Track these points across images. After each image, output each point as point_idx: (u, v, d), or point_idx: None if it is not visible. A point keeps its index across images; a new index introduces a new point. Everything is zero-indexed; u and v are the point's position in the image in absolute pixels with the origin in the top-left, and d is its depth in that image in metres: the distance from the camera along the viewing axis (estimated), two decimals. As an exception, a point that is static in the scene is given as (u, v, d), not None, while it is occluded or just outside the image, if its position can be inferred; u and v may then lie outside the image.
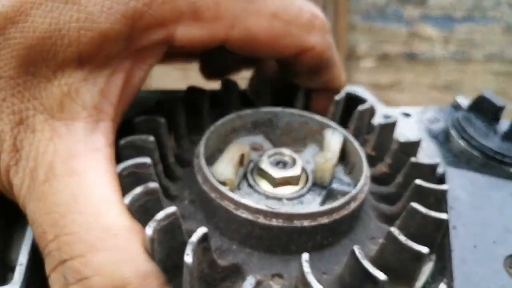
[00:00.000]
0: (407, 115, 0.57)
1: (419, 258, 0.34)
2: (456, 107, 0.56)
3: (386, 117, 0.53)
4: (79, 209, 0.33)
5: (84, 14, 0.34)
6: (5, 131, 0.35)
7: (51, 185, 0.34)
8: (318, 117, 0.47)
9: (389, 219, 0.42)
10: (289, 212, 0.36)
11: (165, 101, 0.46)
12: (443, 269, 0.39)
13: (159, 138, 0.42)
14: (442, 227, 0.37)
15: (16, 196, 0.36)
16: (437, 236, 0.38)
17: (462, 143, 0.50)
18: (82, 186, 0.34)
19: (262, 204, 0.37)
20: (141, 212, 0.35)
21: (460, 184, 0.43)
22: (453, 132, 0.52)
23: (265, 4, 0.41)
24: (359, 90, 0.58)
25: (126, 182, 0.36)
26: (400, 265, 0.35)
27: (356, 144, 0.44)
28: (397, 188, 0.44)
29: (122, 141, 0.39)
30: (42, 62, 0.34)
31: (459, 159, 0.50)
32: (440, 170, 0.45)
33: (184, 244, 0.33)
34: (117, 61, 0.37)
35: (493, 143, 0.49)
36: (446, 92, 1.89)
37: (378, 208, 0.43)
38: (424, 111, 0.58)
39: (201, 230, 0.32)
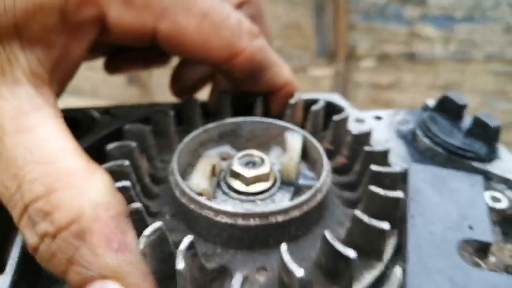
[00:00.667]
0: (378, 118, 0.61)
1: (383, 234, 0.39)
2: (426, 108, 0.59)
3: (358, 120, 0.57)
4: (35, 159, 0.36)
5: None
6: None
7: (3, 142, 0.36)
8: (278, 122, 0.51)
9: (353, 204, 0.47)
10: (264, 211, 0.39)
11: (133, 127, 0.49)
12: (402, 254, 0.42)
13: (133, 161, 0.45)
14: (400, 204, 0.42)
15: None
16: (396, 212, 0.43)
17: (426, 141, 0.54)
18: (35, 140, 0.36)
19: (238, 208, 0.40)
20: (129, 231, 0.38)
21: (422, 178, 0.47)
22: (418, 132, 0.55)
23: (195, 4, 0.45)
24: (335, 98, 0.62)
25: (110, 206, 0.39)
26: (368, 243, 0.39)
27: (315, 141, 0.48)
28: (357, 176, 0.49)
29: None
30: None
31: (424, 156, 0.54)
32: (404, 166, 0.50)
33: (172, 255, 0.37)
34: (53, 34, 0.40)
35: (456, 139, 0.52)
36: (446, 92, 1.91)
37: (342, 196, 0.48)
38: (395, 114, 0.62)
39: (188, 239, 0.35)
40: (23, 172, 0.35)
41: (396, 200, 0.41)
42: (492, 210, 0.44)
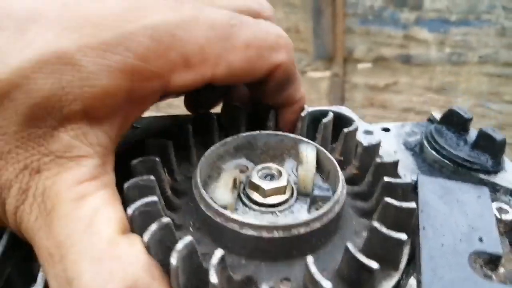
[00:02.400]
0: (386, 130, 0.63)
1: (401, 244, 0.41)
2: (432, 120, 0.62)
3: (367, 132, 0.59)
4: (84, 229, 0.36)
5: (86, 73, 0.37)
6: (10, 178, 0.37)
7: (57, 210, 0.37)
8: (291, 135, 0.53)
9: (367, 214, 0.49)
10: (287, 224, 0.41)
11: (155, 141, 0.50)
12: (414, 264, 0.44)
13: (156, 175, 0.46)
14: (413, 214, 0.44)
15: (24, 230, 0.38)
16: (410, 222, 0.45)
17: (434, 153, 0.56)
18: (87, 209, 0.38)
19: (261, 221, 0.42)
20: (158, 245, 0.39)
21: (430, 190, 0.49)
22: (426, 144, 0.58)
23: (239, 37, 0.46)
24: (343, 109, 0.64)
25: (138, 221, 0.41)
26: (386, 252, 0.42)
27: (327, 153, 0.50)
28: (368, 186, 0.51)
29: (126, 185, 0.43)
30: (47, 115, 0.37)
31: (432, 168, 0.56)
32: (413, 177, 0.52)
33: (200, 267, 0.38)
34: (118, 109, 0.41)
35: (462, 152, 0.55)
36: (441, 93, 1.91)
37: (355, 205, 0.50)
38: (402, 126, 0.64)
39: (219, 252, 0.37)
40: (70, 242, 0.36)
41: (410, 210, 0.44)
42: (499, 221, 0.47)
